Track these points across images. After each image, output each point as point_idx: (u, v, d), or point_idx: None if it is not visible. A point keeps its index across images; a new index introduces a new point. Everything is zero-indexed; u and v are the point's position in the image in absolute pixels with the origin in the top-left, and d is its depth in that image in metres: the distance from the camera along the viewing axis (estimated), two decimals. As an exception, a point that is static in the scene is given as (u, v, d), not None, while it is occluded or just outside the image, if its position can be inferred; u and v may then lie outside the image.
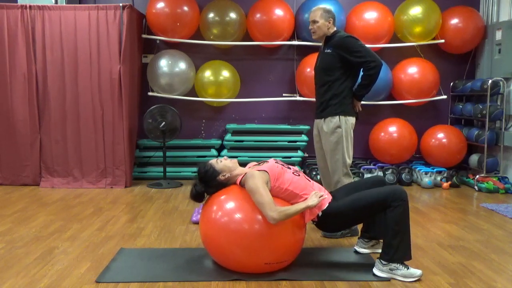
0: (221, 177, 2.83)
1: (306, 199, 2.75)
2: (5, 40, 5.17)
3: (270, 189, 2.70)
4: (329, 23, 3.49)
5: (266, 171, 2.74)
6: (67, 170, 5.31)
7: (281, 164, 2.88)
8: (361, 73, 3.49)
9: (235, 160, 2.93)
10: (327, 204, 2.80)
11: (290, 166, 2.92)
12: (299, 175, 2.86)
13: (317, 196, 2.73)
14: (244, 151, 5.73)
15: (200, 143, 5.79)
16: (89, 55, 5.19)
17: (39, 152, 5.31)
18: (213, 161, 2.90)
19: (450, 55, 5.95)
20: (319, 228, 2.98)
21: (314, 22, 3.48)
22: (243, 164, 3.03)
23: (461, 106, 5.84)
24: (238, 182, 2.81)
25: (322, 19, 3.46)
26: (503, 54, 5.40)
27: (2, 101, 5.24)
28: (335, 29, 3.54)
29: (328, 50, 3.47)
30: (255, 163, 3.00)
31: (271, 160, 2.91)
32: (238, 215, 2.68)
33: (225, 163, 2.86)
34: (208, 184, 2.86)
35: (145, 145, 5.75)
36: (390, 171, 5.55)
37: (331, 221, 2.83)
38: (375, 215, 2.89)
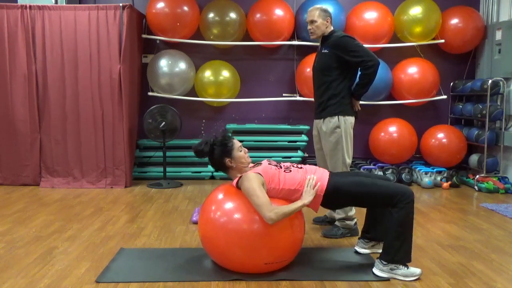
0: (227, 161, 2.83)
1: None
2: (5, 40, 5.17)
3: (266, 191, 2.70)
4: (327, 22, 3.49)
5: (260, 174, 2.74)
6: (67, 170, 5.31)
7: (274, 165, 2.87)
8: (359, 72, 3.49)
9: (250, 160, 2.90)
10: (327, 183, 2.78)
11: (282, 165, 2.91)
12: (290, 170, 2.84)
13: (310, 190, 2.72)
14: (244, 151, 5.72)
15: (200, 143, 5.78)
16: (89, 55, 5.19)
17: (39, 152, 5.31)
18: (236, 143, 2.87)
19: (450, 55, 5.95)
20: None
21: (312, 22, 3.47)
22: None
23: (461, 106, 5.84)
24: (234, 183, 2.81)
25: (320, 18, 3.46)
26: (503, 54, 5.40)
27: (2, 101, 5.24)
28: (332, 28, 3.54)
29: (325, 50, 3.47)
30: (252, 164, 3.00)
31: (264, 162, 2.91)
32: (237, 215, 2.68)
33: (241, 155, 2.84)
34: (213, 154, 2.85)
35: (145, 145, 5.75)
36: (390, 171, 5.55)
37: (332, 196, 2.79)
38: (376, 207, 2.91)
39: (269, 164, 2.87)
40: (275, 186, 2.76)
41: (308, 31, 3.55)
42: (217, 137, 2.90)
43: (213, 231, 2.73)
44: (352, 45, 3.38)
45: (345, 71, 3.45)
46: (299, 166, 2.91)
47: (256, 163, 2.96)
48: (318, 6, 3.54)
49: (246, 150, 2.92)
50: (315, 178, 2.78)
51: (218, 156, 2.84)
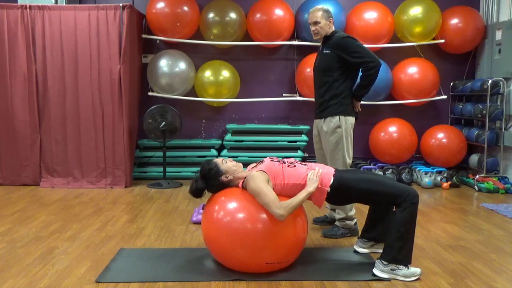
0: (223, 178, 2.83)
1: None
2: (5, 40, 5.17)
3: (272, 188, 2.71)
4: (330, 22, 3.50)
5: (264, 171, 2.74)
6: (67, 170, 5.31)
7: (277, 161, 2.89)
8: (360, 73, 3.49)
9: (240, 164, 2.92)
10: (332, 178, 2.79)
11: (285, 160, 2.92)
12: (294, 165, 2.85)
13: (313, 178, 2.73)
14: (244, 151, 5.73)
15: (200, 143, 5.79)
16: (89, 55, 5.19)
17: (39, 152, 5.31)
18: (218, 160, 2.89)
19: (450, 55, 5.95)
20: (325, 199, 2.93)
21: (316, 23, 3.48)
22: (243, 164, 3.02)
23: (461, 106, 5.84)
24: (240, 185, 2.82)
25: (323, 19, 3.46)
26: (503, 54, 5.40)
27: (2, 101, 5.24)
28: (333, 29, 3.55)
29: (327, 51, 3.47)
30: (254, 164, 3.01)
31: (267, 159, 2.91)
32: (240, 215, 2.69)
33: (229, 165, 2.86)
34: (210, 182, 2.86)
35: (145, 145, 5.75)
36: (390, 171, 5.55)
37: (338, 191, 2.80)
38: (380, 205, 2.93)
39: (271, 161, 2.88)
40: (280, 182, 2.76)
41: (312, 32, 3.55)
42: (199, 169, 2.90)
43: (217, 230, 2.73)
44: (353, 46, 3.39)
45: (347, 71, 3.46)
46: (303, 163, 2.91)
47: (259, 161, 2.97)
48: (320, 6, 3.54)
49: (230, 159, 2.94)
50: (320, 170, 2.80)
51: (214, 181, 2.85)
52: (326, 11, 3.49)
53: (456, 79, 6.00)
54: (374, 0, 5.67)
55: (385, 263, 2.73)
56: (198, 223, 3.80)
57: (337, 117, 3.46)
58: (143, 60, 5.83)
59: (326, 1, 5.38)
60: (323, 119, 3.52)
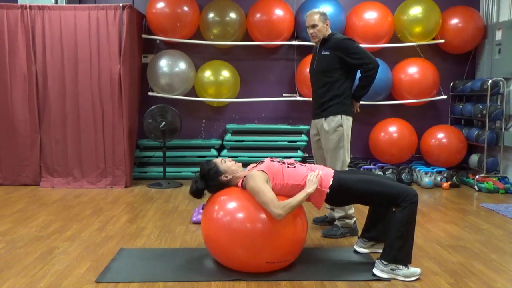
0: (223, 178, 2.84)
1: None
2: (5, 40, 5.17)
3: (271, 187, 2.71)
4: (327, 25, 3.55)
5: (264, 171, 2.75)
6: (67, 170, 5.31)
7: (277, 162, 2.89)
8: (359, 74, 3.52)
9: (240, 164, 2.93)
10: (332, 179, 2.79)
11: (285, 161, 2.93)
12: (294, 166, 2.86)
13: (313, 180, 2.73)
14: (244, 151, 5.73)
15: (200, 143, 5.79)
16: (89, 55, 5.19)
17: (39, 152, 5.31)
18: (217, 160, 2.90)
19: (450, 55, 5.95)
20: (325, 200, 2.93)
21: (314, 26, 3.51)
22: (243, 164, 3.03)
23: (461, 106, 5.84)
24: (239, 185, 2.83)
25: (321, 22, 3.51)
26: (503, 54, 5.40)
27: (2, 101, 5.24)
28: (330, 31, 3.58)
29: (326, 52, 3.50)
30: (254, 164, 3.01)
31: (267, 160, 2.92)
32: (240, 214, 2.69)
33: (229, 165, 2.87)
34: (209, 183, 2.87)
35: (145, 145, 5.75)
36: (390, 171, 5.55)
37: (337, 192, 2.80)
38: (380, 205, 2.93)
39: (271, 161, 2.88)
40: (279, 182, 2.77)
41: (310, 35, 3.58)
42: (198, 170, 2.91)
43: (217, 230, 2.73)
44: (353, 48, 3.43)
45: (347, 72, 3.50)
46: (303, 164, 2.92)
47: (259, 161, 2.97)
48: (316, 10, 3.59)
49: (230, 158, 2.95)
50: (320, 172, 2.80)
51: (213, 181, 2.85)
52: (323, 14, 3.54)
53: (456, 79, 6.00)
54: (374, 0, 5.67)
55: (385, 263, 2.73)
56: (198, 223, 3.80)
57: (338, 116, 3.48)
58: (143, 60, 5.83)
59: (326, 1, 5.39)
60: (323, 118, 3.53)
